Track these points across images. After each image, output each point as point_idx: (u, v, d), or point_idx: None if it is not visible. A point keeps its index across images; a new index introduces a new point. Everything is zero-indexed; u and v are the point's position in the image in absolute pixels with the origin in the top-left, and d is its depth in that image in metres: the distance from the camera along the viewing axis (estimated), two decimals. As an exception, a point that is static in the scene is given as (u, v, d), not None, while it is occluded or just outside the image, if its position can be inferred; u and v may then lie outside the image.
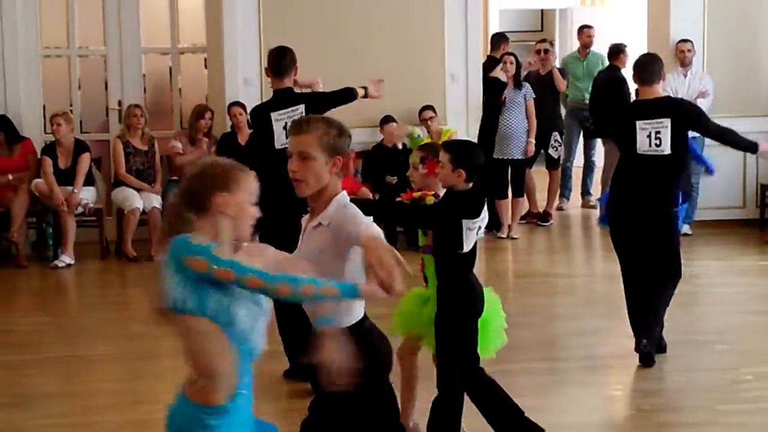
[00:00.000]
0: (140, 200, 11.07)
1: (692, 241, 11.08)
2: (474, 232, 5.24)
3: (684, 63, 11.73)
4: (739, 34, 11.98)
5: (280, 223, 6.17)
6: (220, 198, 3.45)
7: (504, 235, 11.86)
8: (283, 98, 7.13)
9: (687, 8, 12.06)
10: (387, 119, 11.49)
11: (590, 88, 12.84)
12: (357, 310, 4.01)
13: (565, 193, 13.58)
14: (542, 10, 19.42)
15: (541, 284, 9.79)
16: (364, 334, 3.98)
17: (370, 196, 10.89)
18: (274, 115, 7.00)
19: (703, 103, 10.59)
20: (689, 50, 11.71)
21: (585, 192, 13.73)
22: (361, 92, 7.47)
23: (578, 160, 13.88)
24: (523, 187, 12.12)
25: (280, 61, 7.18)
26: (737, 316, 8.45)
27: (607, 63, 12.97)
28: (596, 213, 12.62)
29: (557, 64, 13.87)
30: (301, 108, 7.00)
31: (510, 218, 11.96)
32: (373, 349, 4.00)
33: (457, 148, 5.35)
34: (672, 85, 11.57)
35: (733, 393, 6.63)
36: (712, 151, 11.52)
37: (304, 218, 4.12)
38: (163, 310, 3.40)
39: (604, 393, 6.78)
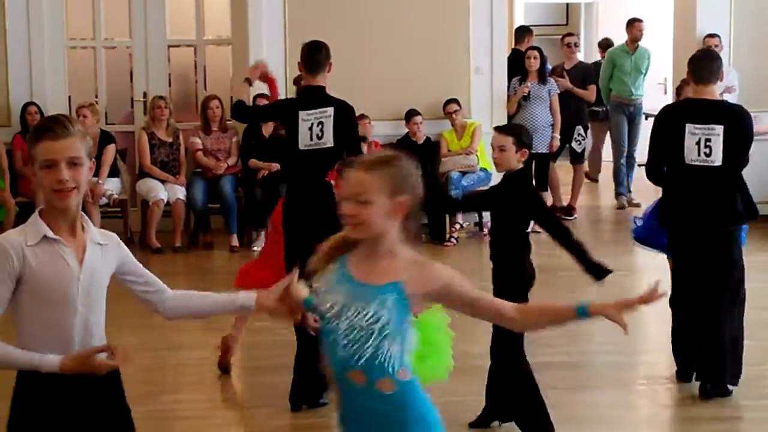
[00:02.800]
0: (164, 192, 11.11)
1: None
2: None
3: (711, 58, 11.66)
4: (766, 28, 11.91)
5: (306, 225, 6.19)
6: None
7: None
8: (314, 97, 6.67)
9: (714, 2, 12.01)
10: (412, 113, 11.48)
11: (638, 83, 12.87)
12: None
13: (621, 190, 13.28)
14: (567, 4, 19.35)
15: (564, 278, 9.73)
16: None
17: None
18: (302, 114, 6.56)
19: (729, 98, 10.54)
20: (717, 45, 11.64)
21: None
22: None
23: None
24: (547, 181, 12.10)
25: (314, 55, 6.68)
26: (762, 312, 8.39)
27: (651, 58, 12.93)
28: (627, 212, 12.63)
29: (581, 57, 13.82)
30: (331, 111, 6.55)
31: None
32: None
33: (517, 131, 5.67)
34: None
35: (759, 388, 6.61)
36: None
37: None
38: None
39: (629, 387, 6.76)
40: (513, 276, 5.64)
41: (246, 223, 11.17)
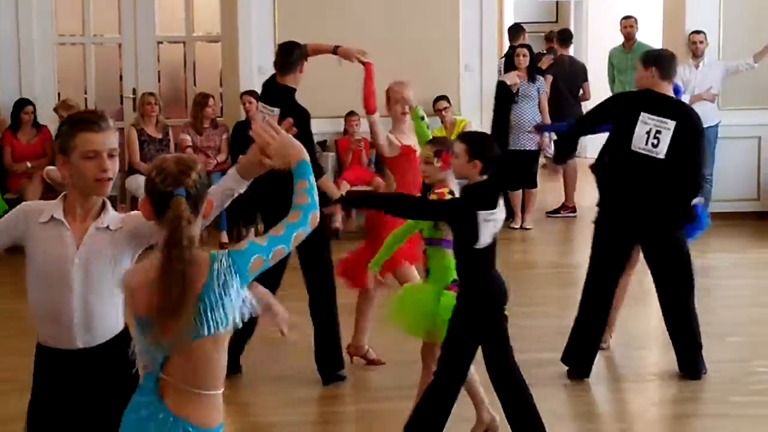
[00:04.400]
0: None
1: (706, 233, 10.97)
2: (491, 224, 5.08)
3: (696, 54, 11.70)
4: (756, 25, 11.95)
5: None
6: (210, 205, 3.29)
7: (517, 226, 11.87)
8: (275, 95, 6.84)
9: (702, -1, 12.06)
10: (401, 109, 11.48)
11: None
12: None
13: None
14: (557, 1, 19.39)
15: (554, 275, 9.80)
16: None
17: (383, 184, 10.88)
18: (259, 105, 6.93)
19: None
20: (701, 42, 11.68)
21: None
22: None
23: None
24: (535, 179, 12.12)
25: (285, 56, 6.89)
26: (750, 309, 8.44)
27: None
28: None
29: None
30: (277, 111, 6.66)
31: (524, 209, 11.98)
32: None
33: (473, 139, 5.28)
34: (685, 76, 11.56)
35: (746, 385, 6.63)
36: (726, 143, 11.56)
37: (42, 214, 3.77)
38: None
39: (620, 384, 6.78)
40: (476, 292, 5.23)
41: (235, 219, 11.16)
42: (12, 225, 3.76)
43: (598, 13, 17.87)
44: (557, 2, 19.45)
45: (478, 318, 5.17)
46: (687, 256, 6.74)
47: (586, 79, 13.30)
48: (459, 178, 5.36)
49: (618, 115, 6.72)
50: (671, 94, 6.73)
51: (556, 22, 19.06)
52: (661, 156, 6.46)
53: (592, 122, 7.05)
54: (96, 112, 3.70)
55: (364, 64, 6.82)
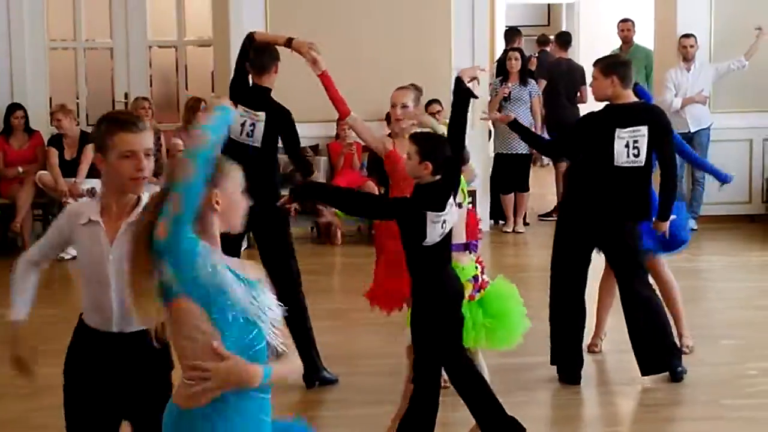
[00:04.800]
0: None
1: (698, 236, 11.07)
2: (439, 225, 5.06)
3: (687, 58, 11.72)
4: (746, 29, 11.97)
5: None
6: (211, 194, 3.30)
7: (509, 230, 11.89)
8: (255, 97, 6.85)
9: (694, 2, 12.06)
10: (393, 113, 11.47)
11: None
12: None
13: None
14: (549, 5, 19.43)
15: (546, 278, 9.78)
16: None
17: (376, 190, 10.89)
18: (239, 109, 6.72)
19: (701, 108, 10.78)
20: (692, 45, 11.69)
21: None
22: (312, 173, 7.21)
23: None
24: (527, 182, 12.13)
25: (260, 57, 6.89)
26: (743, 311, 8.45)
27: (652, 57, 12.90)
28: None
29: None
30: (262, 116, 6.72)
31: (516, 212, 11.99)
32: None
33: (423, 141, 5.25)
34: (676, 80, 11.59)
35: (739, 388, 6.64)
36: (718, 146, 11.57)
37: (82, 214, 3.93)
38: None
39: (611, 387, 6.78)
40: (426, 290, 5.20)
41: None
42: (60, 230, 4.02)
43: (589, 16, 17.91)
44: (549, 5, 19.48)
45: (431, 315, 5.14)
46: (638, 248, 6.74)
47: (584, 83, 13.31)
48: (412, 179, 5.27)
49: (591, 136, 6.67)
50: (633, 98, 6.73)
51: (548, 25, 19.10)
52: (642, 163, 6.52)
53: (564, 148, 7.35)
54: (133, 113, 3.95)
55: (319, 75, 6.74)
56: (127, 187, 3.83)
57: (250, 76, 6.93)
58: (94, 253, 3.86)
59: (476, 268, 5.65)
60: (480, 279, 5.63)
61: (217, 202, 3.30)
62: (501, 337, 5.65)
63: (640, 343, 6.63)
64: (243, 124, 6.75)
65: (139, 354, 3.89)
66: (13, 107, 11.24)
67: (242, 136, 6.73)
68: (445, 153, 5.16)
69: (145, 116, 11.32)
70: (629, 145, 6.50)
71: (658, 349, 6.62)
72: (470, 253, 5.72)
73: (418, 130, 5.95)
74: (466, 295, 5.39)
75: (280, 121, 6.81)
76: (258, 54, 6.94)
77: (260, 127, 6.76)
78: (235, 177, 3.39)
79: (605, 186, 6.57)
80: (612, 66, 6.74)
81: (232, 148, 6.05)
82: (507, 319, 5.66)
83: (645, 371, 6.62)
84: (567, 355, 6.74)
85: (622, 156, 6.51)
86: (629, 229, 6.67)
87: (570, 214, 6.82)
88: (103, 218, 3.86)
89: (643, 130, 6.52)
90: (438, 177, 5.11)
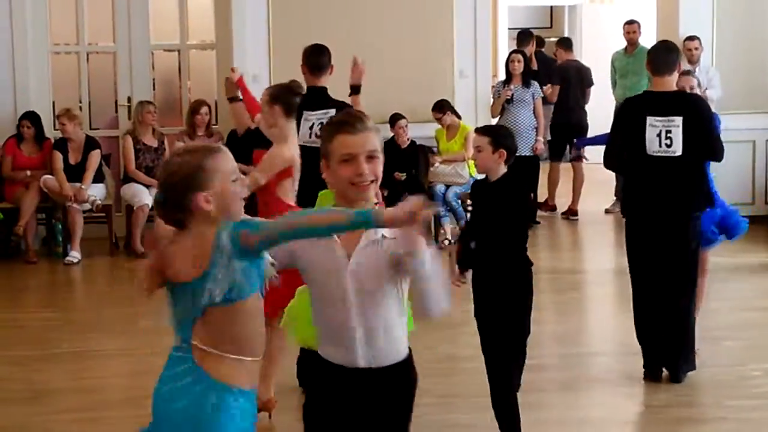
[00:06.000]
0: (149, 196, 11.09)
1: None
2: None
3: (692, 60, 11.70)
4: (749, 30, 11.98)
5: None
6: (199, 199, 3.32)
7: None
8: (317, 98, 7.14)
9: (696, 4, 12.05)
10: (396, 116, 11.48)
11: (636, 87, 12.90)
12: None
13: (620, 196, 13.27)
14: (551, 7, 19.42)
15: (552, 280, 9.79)
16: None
17: (379, 193, 10.85)
18: (306, 114, 7.02)
19: (709, 94, 10.63)
20: (696, 48, 11.68)
21: None
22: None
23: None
24: (536, 185, 12.13)
25: (318, 58, 7.25)
26: (745, 313, 8.45)
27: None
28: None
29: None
30: (332, 113, 6.95)
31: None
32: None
33: (494, 130, 5.47)
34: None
35: (742, 389, 6.63)
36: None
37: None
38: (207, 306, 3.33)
39: (615, 389, 6.77)
40: (520, 276, 5.33)
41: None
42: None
43: (592, 18, 17.90)
44: (551, 8, 19.48)
45: (528, 297, 5.34)
46: (695, 250, 6.70)
47: (590, 84, 13.42)
48: (484, 172, 5.38)
49: (626, 122, 6.70)
50: (672, 87, 6.64)
51: (551, 27, 19.10)
52: (678, 153, 6.46)
53: (617, 140, 6.85)
54: (355, 113, 3.63)
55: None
56: (349, 193, 3.46)
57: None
58: (330, 271, 3.43)
59: None
60: None
61: (208, 201, 3.33)
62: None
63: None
64: (311, 127, 6.99)
65: (388, 393, 3.51)
66: (24, 116, 11.24)
67: (311, 139, 6.88)
68: (514, 141, 5.38)
69: (152, 121, 11.35)
70: (661, 134, 6.45)
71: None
72: None
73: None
74: None
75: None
76: (314, 55, 7.23)
77: None
78: (219, 169, 3.36)
79: (640, 177, 6.57)
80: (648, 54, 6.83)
81: (305, 154, 6.16)
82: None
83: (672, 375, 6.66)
84: (649, 351, 6.72)
85: (653, 144, 6.48)
86: (678, 223, 6.57)
87: (626, 210, 6.80)
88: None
89: (678, 120, 6.45)
90: (506, 169, 5.25)
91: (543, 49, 14.88)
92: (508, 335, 5.32)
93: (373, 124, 3.53)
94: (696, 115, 6.53)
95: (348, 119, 3.52)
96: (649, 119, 6.50)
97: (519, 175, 5.33)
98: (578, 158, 12.11)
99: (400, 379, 3.50)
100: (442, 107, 11.50)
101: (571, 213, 12.90)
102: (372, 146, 3.46)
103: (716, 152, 6.62)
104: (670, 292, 6.65)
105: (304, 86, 7.10)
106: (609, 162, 6.85)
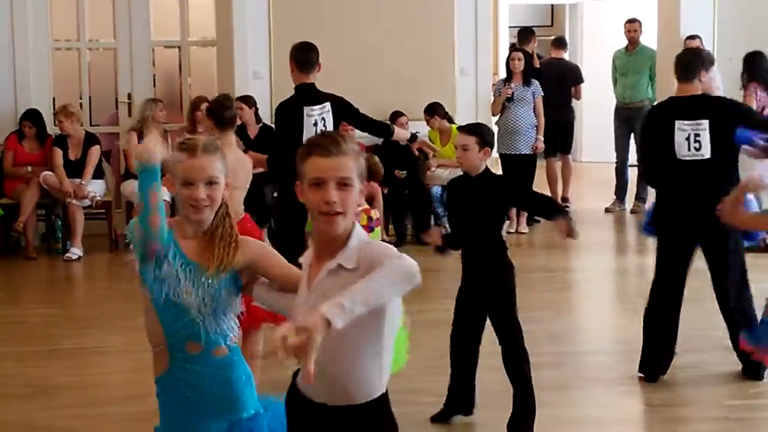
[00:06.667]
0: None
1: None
2: None
3: (693, 60, 11.70)
4: (750, 29, 11.96)
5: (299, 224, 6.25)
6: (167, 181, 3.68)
7: (512, 230, 11.88)
8: (311, 93, 7.29)
9: (697, 3, 12.06)
10: (396, 114, 11.48)
11: (636, 85, 12.93)
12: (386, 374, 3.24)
13: (620, 195, 13.40)
14: (552, 5, 19.42)
15: (548, 279, 9.80)
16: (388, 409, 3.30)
17: (379, 190, 10.87)
18: (306, 110, 7.19)
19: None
20: (698, 46, 11.67)
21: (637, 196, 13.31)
22: (392, 128, 7.82)
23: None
24: (531, 183, 12.12)
25: (308, 55, 7.33)
26: (747, 312, 8.43)
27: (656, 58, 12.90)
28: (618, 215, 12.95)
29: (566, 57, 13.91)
30: (328, 106, 7.22)
31: (519, 212, 11.99)
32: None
33: (480, 130, 5.66)
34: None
35: (745, 388, 6.62)
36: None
37: (302, 257, 3.32)
38: None
39: (614, 388, 6.77)
40: (503, 275, 5.69)
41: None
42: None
43: (593, 17, 17.91)
44: (552, 6, 19.47)
45: (512, 290, 5.79)
46: (742, 257, 6.83)
47: (577, 81, 13.50)
48: (469, 170, 5.63)
49: (655, 128, 6.75)
50: (697, 91, 6.67)
51: (552, 25, 19.10)
52: (707, 156, 6.50)
53: (650, 148, 6.89)
54: (334, 134, 3.27)
55: None
56: (320, 223, 3.16)
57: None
58: (298, 301, 3.27)
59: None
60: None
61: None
62: None
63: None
64: (315, 124, 7.14)
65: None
66: (25, 116, 11.23)
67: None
68: (493, 140, 5.77)
69: (163, 119, 11.31)
70: (690, 138, 6.49)
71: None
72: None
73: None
74: None
75: (340, 104, 7.37)
76: (303, 52, 7.32)
77: (330, 117, 7.25)
78: (174, 169, 3.65)
79: (671, 182, 6.61)
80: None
81: None
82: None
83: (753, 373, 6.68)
84: (656, 355, 6.73)
85: (682, 148, 6.52)
86: (715, 225, 6.39)
87: (664, 219, 6.77)
88: (312, 262, 3.23)
89: (704, 123, 6.49)
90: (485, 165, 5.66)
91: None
92: (501, 309, 5.72)
93: (355, 148, 3.21)
94: (722, 117, 6.55)
95: (323, 141, 3.19)
96: (678, 123, 6.54)
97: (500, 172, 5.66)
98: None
99: (364, 421, 3.17)
100: (432, 110, 11.49)
101: (562, 200, 13.24)
102: (344, 173, 3.13)
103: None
104: (720, 292, 6.78)
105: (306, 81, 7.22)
106: (647, 172, 6.96)
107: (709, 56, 6.94)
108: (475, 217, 5.65)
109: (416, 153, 11.21)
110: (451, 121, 11.62)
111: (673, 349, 6.81)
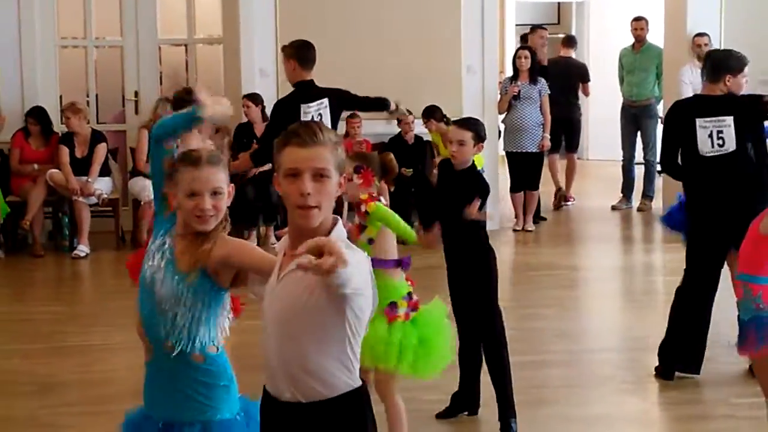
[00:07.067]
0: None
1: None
2: None
3: (701, 57, 11.65)
4: (757, 27, 11.93)
5: None
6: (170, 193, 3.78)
7: (519, 228, 11.87)
8: (310, 90, 7.42)
9: (704, 1, 12.03)
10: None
11: (643, 83, 12.92)
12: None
13: (627, 193, 13.39)
14: (559, 3, 19.39)
15: (555, 277, 9.79)
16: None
17: (386, 188, 10.85)
18: (303, 107, 7.28)
19: None
20: (706, 44, 11.65)
21: (644, 193, 13.30)
22: (392, 105, 7.86)
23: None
24: (537, 181, 12.12)
25: (308, 52, 7.50)
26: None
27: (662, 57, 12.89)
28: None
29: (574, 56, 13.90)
30: (326, 102, 7.32)
31: (525, 210, 11.98)
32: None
33: (476, 125, 5.69)
34: (689, 78, 11.55)
35: (751, 387, 6.60)
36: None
37: (278, 245, 3.23)
38: None
39: (621, 386, 6.76)
40: (478, 273, 5.67)
41: (237, 221, 11.13)
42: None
43: (599, 15, 17.88)
44: (559, 4, 19.44)
45: (493, 281, 5.71)
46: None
47: (584, 79, 13.54)
48: (462, 164, 5.66)
49: (676, 125, 6.71)
50: (718, 92, 6.64)
51: (558, 23, 19.06)
52: (733, 149, 6.48)
53: (670, 144, 6.81)
54: (312, 123, 3.12)
55: None
56: (295, 217, 3.04)
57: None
58: (266, 293, 3.17)
59: (408, 285, 5.31)
60: (413, 297, 5.29)
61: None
62: (425, 365, 5.23)
63: None
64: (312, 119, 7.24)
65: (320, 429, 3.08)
66: (29, 113, 11.24)
67: None
68: (486, 135, 5.78)
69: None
70: (713, 135, 6.48)
71: None
72: (402, 270, 5.32)
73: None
74: (401, 313, 5.17)
75: (338, 96, 7.57)
76: (304, 49, 7.52)
77: (327, 112, 7.38)
78: (181, 179, 3.73)
79: (698, 178, 6.59)
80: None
81: None
82: (436, 347, 5.27)
83: None
84: (683, 352, 6.70)
85: (705, 146, 6.50)
86: (746, 218, 6.52)
87: (696, 218, 6.73)
88: (287, 250, 3.12)
89: (728, 120, 6.48)
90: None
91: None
92: (479, 294, 5.68)
93: (335, 138, 3.09)
94: (747, 116, 6.54)
95: (299, 129, 3.05)
96: (698, 121, 6.53)
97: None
98: None
99: (335, 416, 3.05)
100: (429, 113, 11.46)
101: (565, 198, 13.50)
102: (321, 164, 3.00)
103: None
104: None
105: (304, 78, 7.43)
106: (665, 166, 6.90)
107: (739, 63, 6.79)
108: (454, 209, 5.60)
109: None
110: (448, 123, 11.60)
111: (703, 347, 6.73)
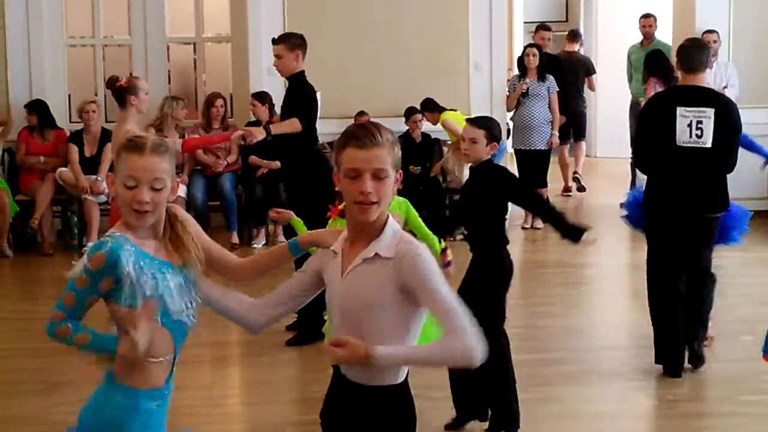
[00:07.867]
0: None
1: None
2: None
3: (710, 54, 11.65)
4: (766, 23, 11.92)
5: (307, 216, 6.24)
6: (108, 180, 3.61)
7: (527, 225, 11.87)
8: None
9: (713, -2, 12.04)
10: (411, 110, 11.48)
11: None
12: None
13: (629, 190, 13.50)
14: (567, 0, 19.37)
15: (563, 274, 9.79)
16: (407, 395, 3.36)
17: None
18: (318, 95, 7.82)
19: (728, 94, 10.55)
20: (715, 41, 11.63)
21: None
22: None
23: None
24: (545, 178, 12.12)
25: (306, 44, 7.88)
26: (760, 307, 8.42)
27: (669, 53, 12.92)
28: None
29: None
30: (319, 95, 7.58)
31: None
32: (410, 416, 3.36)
33: (489, 124, 5.66)
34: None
35: (756, 384, 6.62)
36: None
37: (335, 245, 3.36)
38: None
39: (627, 383, 6.77)
40: (490, 269, 5.57)
41: (246, 220, 11.18)
42: (318, 261, 3.42)
43: (607, 11, 17.86)
44: (567, 1, 19.43)
45: (498, 288, 5.57)
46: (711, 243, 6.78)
47: (590, 73, 13.69)
48: (475, 162, 5.63)
49: (655, 115, 6.66)
50: (703, 84, 6.68)
51: (566, 20, 19.04)
52: (708, 145, 6.45)
53: (645, 135, 6.79)
54: (370, 125, 3.29)
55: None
56: (354, 211, 3.20)
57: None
58: (329, 285, 3.31)
59: None
60: None
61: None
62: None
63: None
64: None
65: (373, 413, 3.26)
66: (28, 105, 11.27)
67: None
68: (501, 134, 5.77)
69: (183, 117, 11.32)
70: (692, 125, 6.44)
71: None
72: None
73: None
74: None
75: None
76: (305, 41, 7.90)
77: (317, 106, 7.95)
78: (121, 164, 3.40)
79: (669, 170, 6.54)
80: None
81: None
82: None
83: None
84: (670, 346, 6.72)
85: (684, 135, 6.46)
86: (702, 221, 6.59)
87: (648, 206, 6.75)
88: (344, 249, 3.28)
89: (709, 111, 6.44)
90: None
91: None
92: (486, 302, 5.49)
93: (391, 138, 3.27)
94: (726, 114, 6.52)
95: (358, 132, 3.22)
96: (680, 110, 6.49)
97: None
98: None
99: (386, 402, 3.25)
100: (423, 107, 11.44)
101: (573, 175, 14.05)
102: (380, 164, 3.17)
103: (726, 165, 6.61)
104: (692, 282, 6.72)
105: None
106: (639, 157, 6.89)
107: (708, 54, 6.85)
108: (472, 207, 5.62)
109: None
110: (440, 110, 11.57)
111: (676, 347, 6.73)
